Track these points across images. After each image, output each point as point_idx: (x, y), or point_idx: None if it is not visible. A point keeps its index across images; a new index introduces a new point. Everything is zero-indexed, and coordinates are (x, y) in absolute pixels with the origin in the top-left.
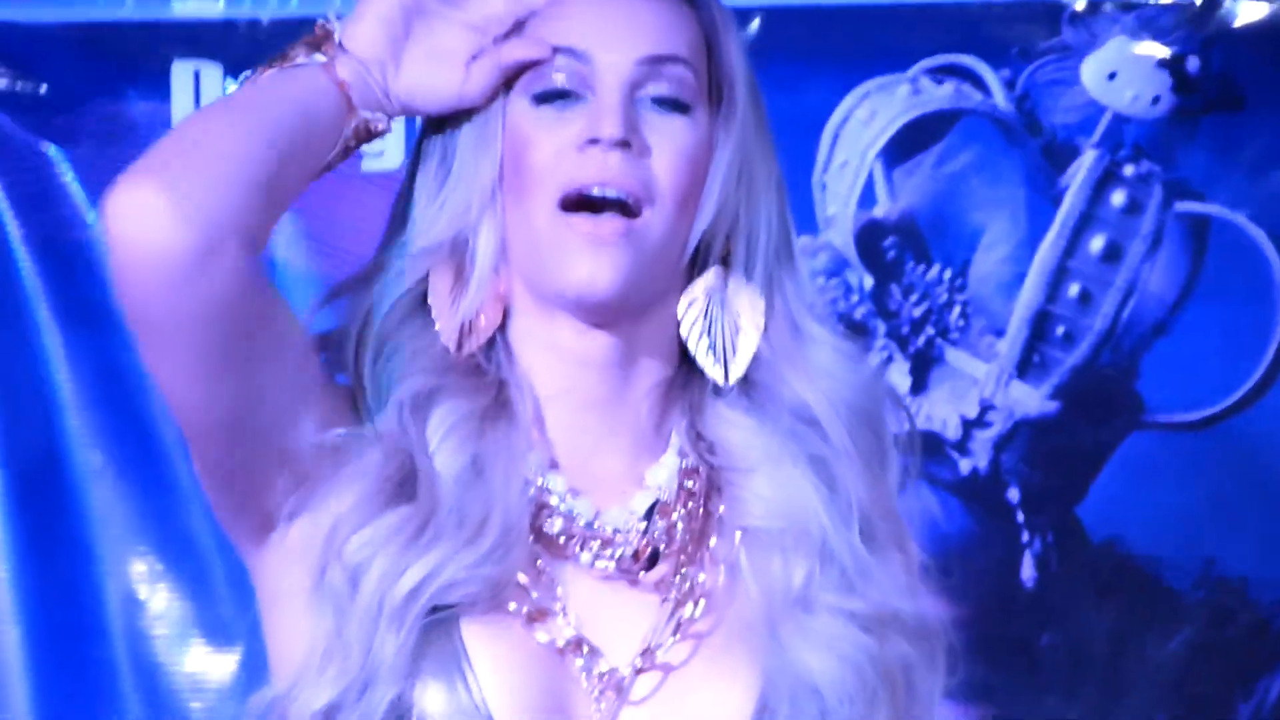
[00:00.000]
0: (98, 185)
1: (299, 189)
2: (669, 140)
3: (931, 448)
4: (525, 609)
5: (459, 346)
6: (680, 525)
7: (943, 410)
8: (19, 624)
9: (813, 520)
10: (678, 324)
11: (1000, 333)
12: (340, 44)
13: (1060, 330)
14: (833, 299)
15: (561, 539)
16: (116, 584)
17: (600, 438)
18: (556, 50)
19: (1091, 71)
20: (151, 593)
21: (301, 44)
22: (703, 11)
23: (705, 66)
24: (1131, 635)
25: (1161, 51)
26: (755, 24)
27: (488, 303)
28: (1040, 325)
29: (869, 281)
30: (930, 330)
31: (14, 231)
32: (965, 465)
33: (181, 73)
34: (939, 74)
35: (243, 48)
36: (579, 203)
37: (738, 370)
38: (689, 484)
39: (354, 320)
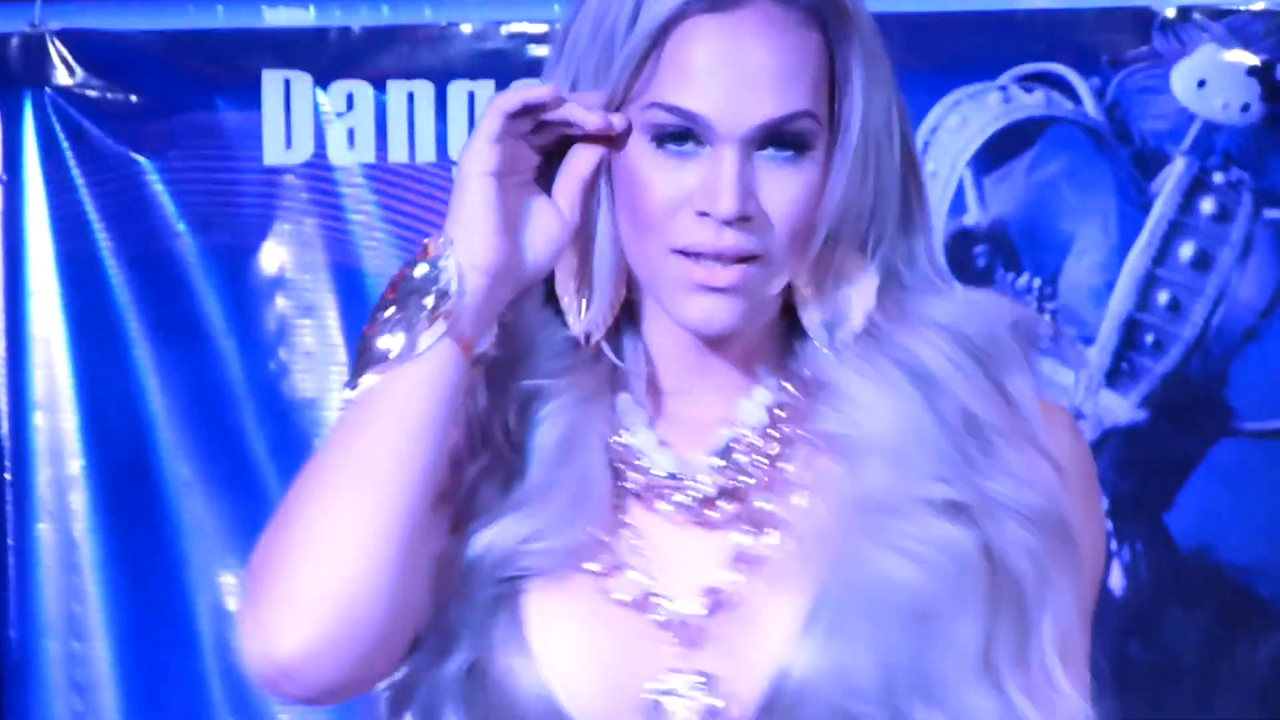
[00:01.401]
0: (188, 195)
1: (434, 492)
2: (787, 192)
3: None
4: (601, 567)
5: (587, 339)
6: (762, 459)
7: None
8: (108, 636)
9: (893, 416)
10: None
11: (1090, 341)
12: (458, 293)
13: (1150, 338)
14: None
15: (642, 493)
16: (206, 596)
17: (701, 390)
18: (675, 110)
19: (1181, 79)
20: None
21: (399, 302)
22: (829, 21)
23: (828, 89)
24: (1220, 643)
25: (1251, 59)
26: None
27: (609, 297)
28: (1130, 333)
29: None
30: None
31: (104, 243)
32: None
33: (271, 82)
34: (1029, 82)
35: (333, 57)
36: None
37: (845, 339)
38: (780, 412)
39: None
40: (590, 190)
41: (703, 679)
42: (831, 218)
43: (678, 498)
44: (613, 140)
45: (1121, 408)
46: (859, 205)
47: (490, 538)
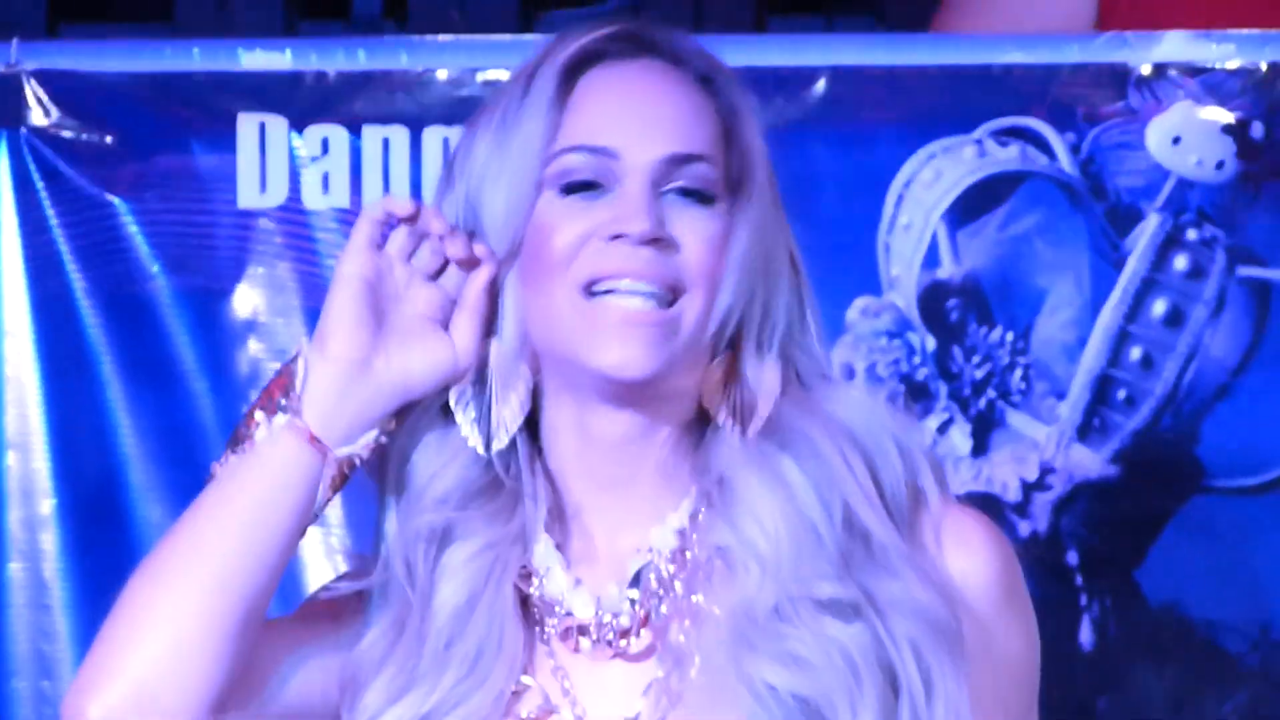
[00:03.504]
0: (162, 238)
1: (274, 582)
2: (695, 231)
3: (991, 510)
4: (530, 713)
5: (487, 446)
6: (678, 584)
7: (1003, 473)
8: None
9: (776, 516)
10: (695, 391)
11: (1062, 396)
12: (299, 393)
13: (1122, 394)
14: (894, 359)
15: (563, 634)
16: None
17: (615, 515)
18: (584, 149)
19: (1156, 136)
20: None
21: (269, 392)
22: (722, 99)
23: (724, 156)
24: (1189, 699)
25: (1226, 117)
26: (821, 84)
27: (514, 392)
28: (1102, 389)
29: (931, 343)
30: (992, 392)
31: (77, 283)
32: (1025, 528)
33: (247, 125)
34: (1004, 136)
35: (309, 101)
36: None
37: (754, 429)
38: (694, 534)
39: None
40: (483, 324)
41: None
42: (739, 270)
43: (597, 635)
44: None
45: (1093, 463)
46: (762, 278)
47: (397, 712)
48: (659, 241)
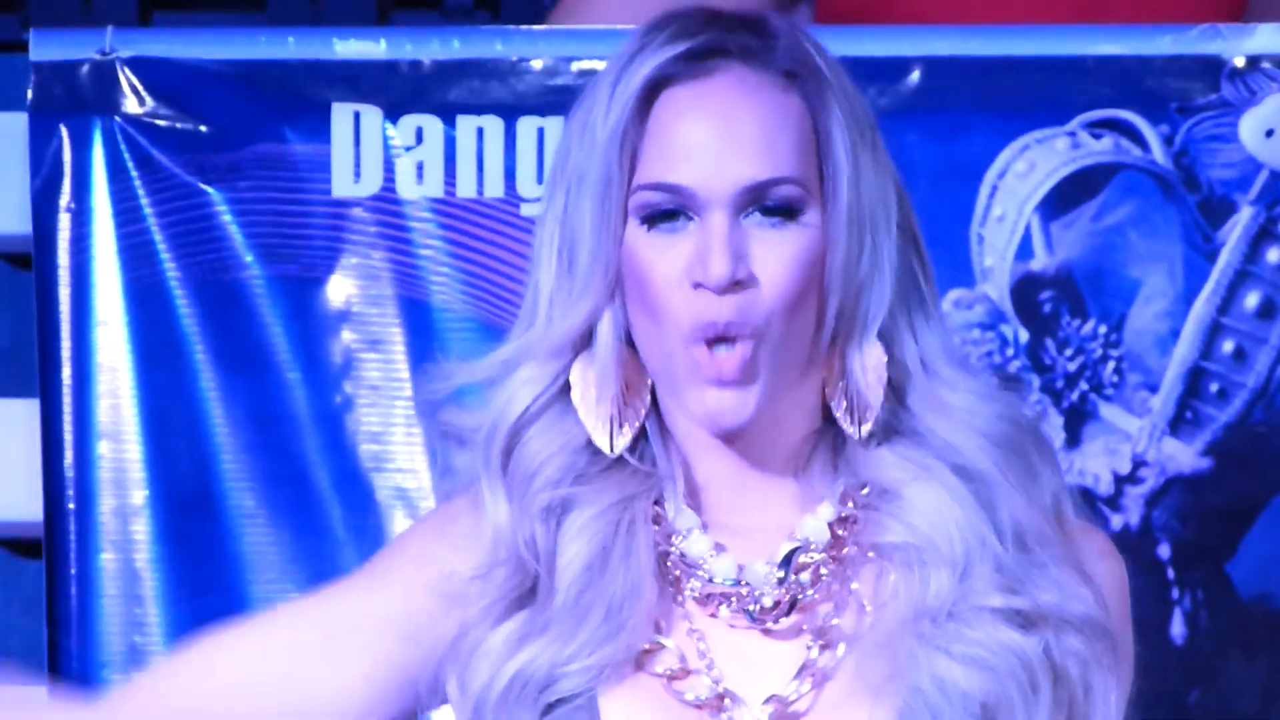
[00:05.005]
0: (256, 226)
1: None
2: (778, 257)
3: (1083, 503)
4: (668, 670)
5: (611, 446)
6: (825, 571)
7: (1095, 465)
8: None
9: (955, 526)
10: (821, 385)
11: (1154, 388)
12: None
13: (1214, 387)
14: (987, 352)
15: (703, 599)
16: None
17: (756, 494)
18: (659, 188)
19: (1250, 128)
20: None
21: None
22: (809, 89)
23: (814, 154)
24: None
25: None
26: (915, 75)
27: (632, 392)
28: (1194, 381)
29: (1024, 335)
30: (1084, 385)
31: (172, 272)
32: (1117, 521)
33: (341, 114)
34: (1098, 128)
35: (403, 90)
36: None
37: (868, 425)
38: (841, 531)
39: (486, 411)
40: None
41: None
42: (837, 290)
43: (737, 605)
44: None
45: (1185, 456)
46: (860, 278)
47: (520, 664)
48: (739, 285)
